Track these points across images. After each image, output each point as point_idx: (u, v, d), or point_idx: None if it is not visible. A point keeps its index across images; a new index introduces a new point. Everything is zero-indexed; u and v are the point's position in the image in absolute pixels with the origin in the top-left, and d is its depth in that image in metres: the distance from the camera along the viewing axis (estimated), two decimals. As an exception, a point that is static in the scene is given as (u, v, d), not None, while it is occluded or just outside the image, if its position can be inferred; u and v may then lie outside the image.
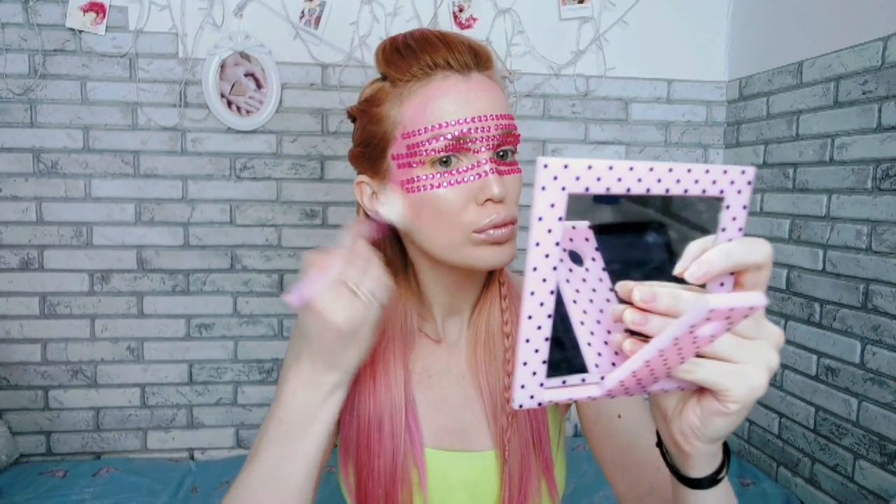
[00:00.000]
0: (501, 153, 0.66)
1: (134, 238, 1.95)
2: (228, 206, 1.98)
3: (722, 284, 0.38)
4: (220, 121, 1.93)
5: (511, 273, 0.80)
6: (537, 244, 0.34)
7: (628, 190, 0.35)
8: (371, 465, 0.70)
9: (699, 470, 0.46)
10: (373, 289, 0.57)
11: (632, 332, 0.38)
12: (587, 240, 0.40)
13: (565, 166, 0.33)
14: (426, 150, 0.63)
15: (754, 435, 2.03)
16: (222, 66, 1.89)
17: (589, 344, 0.40)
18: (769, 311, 1.94)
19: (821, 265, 1.74)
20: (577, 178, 0.34)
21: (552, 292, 0.36)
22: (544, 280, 0.35)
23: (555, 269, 0.35)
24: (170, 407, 2.01)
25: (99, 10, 1.84)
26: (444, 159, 0.63)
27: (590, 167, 0.34)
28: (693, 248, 0.37)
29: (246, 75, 1.91)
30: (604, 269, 0.41)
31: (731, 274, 0.38)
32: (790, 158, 1.86)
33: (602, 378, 0.39)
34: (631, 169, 0.35)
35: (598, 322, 0.40)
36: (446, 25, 1.98)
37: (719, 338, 0.37)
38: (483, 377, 0.73)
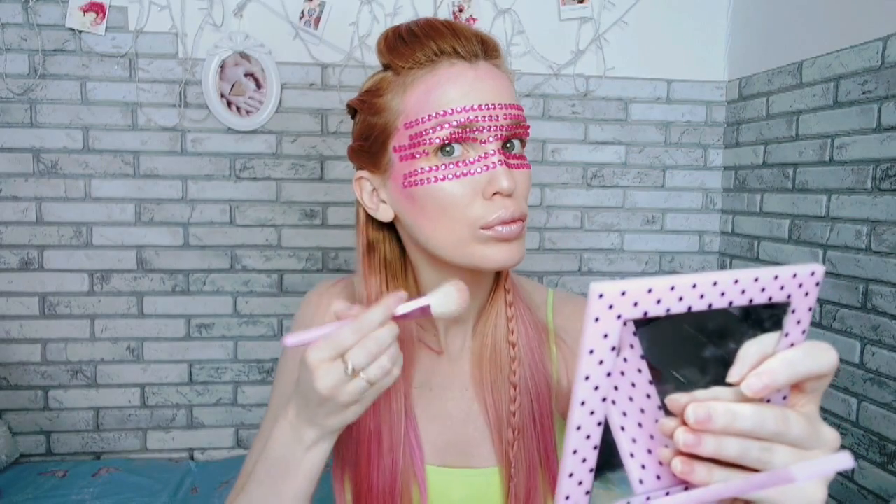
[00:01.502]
0: (509, 145, 0.62)
1: (134, 238, 1.95)
2: (228, 207, 1.98)
3: (779, 390, 0.35)
4: (220, 121, 1.93)
5: (517, 277, 0.76)
6: (587, 378, 0.32)
7: (689, 309, 0.32)
8: (370, 480, 0.67)
9: None
10: (375, 376, 0.53)
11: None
12: (626, 324, 0.37)
13: (623, 293, 0.30)
14: (430, 139, 0.59)
15: (754, 435, 2.03)
16: (222, 67, 1.89)
17: (631, 454, 0.36)
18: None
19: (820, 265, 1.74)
20: (636, 304, 0.31)
21: (599, 424, 0.33)
22: (592, 413, 0.33)
23: (604, 400, 0.32)
24: (170, 407, 2.01)
25: (99, 10, 1.84)
26: (449, 149, 0.59)
27: (650, 290, 0.31)
28: (751, 353, 0.34)
29: (246, 75, 1.91)
30: (642, 358, 0.37)
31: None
32: (790, 158, 1.86)
33: (648, 498, 0.36)
34: (694, 286, 0.32)
35: (640, 425, 0.36)
36: (446, 25, 1.98)
37: (777, 450, 0.34)
38: (488, 391, 0.69)
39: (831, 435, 0.36)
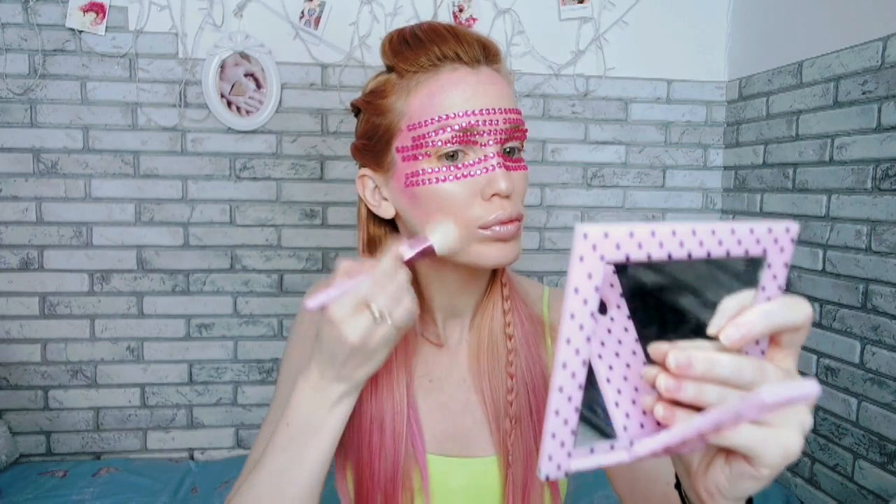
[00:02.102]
0: (508, 149, 0.64)
1: (134, 238, 1.95)
2: (228, 207, 1.98)
3: (757, 343, 0.37)
4: (220, 121, 1.93)
5: (513, 274, 0.78)
6: (572, 316, 0.33)
7: (669, 256, 0.34)
8: (372, 467, 0.69)
9: None
10: (401, 317, 0.56)
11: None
12: (612, 285, 0.38)
13: (606, 234, 0.32)
14: (432, 142, 0.61)
15: (754, 435, 2.03)
16: (222, 67, 1.89)
17: (616, 404, 0.38)
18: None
19: (820, 265, 1.74)
20: (618, 247, 0.32)
21: (584, 363, 0.34)
22: (577, 351, 0.34)
23: (588, 339, 0.34)
24: (170, 407, 2.01)
25: (99, 10, 1.84)
26: (451, 152, 0.62)
27: (632, 234, 0.32)
28: (729, 305, 0.36)
29: (246, 75, 1.91)
30: (629, 318, 0.38)
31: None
32: (790, 158, 1.86)
33: (631, 443, 0.37)
34: (673, 233, 0.33)
35: (625, 378, 0.38)
36: (446, 25, 1.98)
37: None
38: (486, 381, 0.72)
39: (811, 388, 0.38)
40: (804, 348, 1.80)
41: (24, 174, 1.88)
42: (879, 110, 1.56)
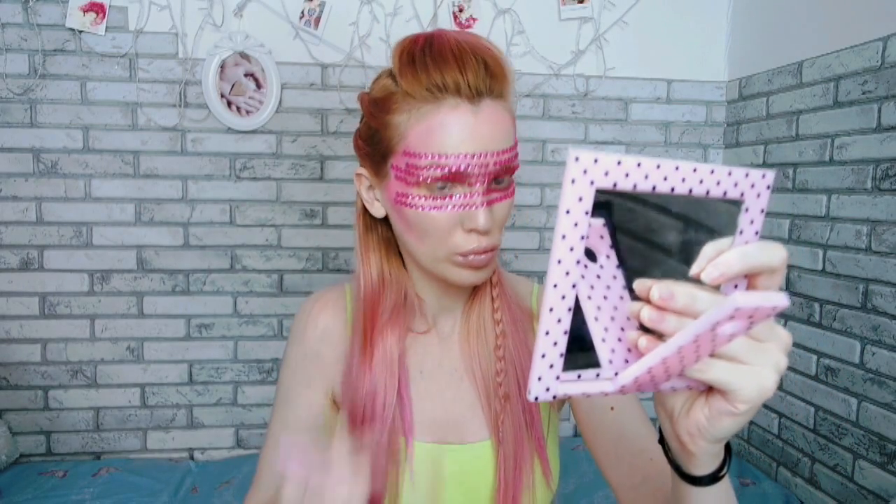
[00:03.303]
0: (497, 180, 0.67)
1: (134, 238, 1.95)
2: (228, 207, 1.98)
3: (736, 286, 0.39)
4: (220, 121, 1.93)
5: (503, 271, 0.82)
6: (563, 237, 0.34)
7: (654, 188, 0.35)
8: (363, 431, 0.71)
9: (702, 468, 0.46)
10: None
11: (646, 331, 0.38)
12: (602, 237, 0.40)
13: (595, 160, 0.34)
14: (423, 176, 0.64)
15: (754, 435, 2.03)
16: (222, 67, 1.89)
17: (603, 340, 0.40)
18: (769, 311, 1.94)
19: (820, 265, 1.74)
20: (607, 174, 0.34)
21: (574, 286, 0.36)
22: (567, 273, 0.35)
23: (578, 262, 0.35)
24: (170, 407, 2.01)
25: (99, 10, 1.85)
26: (440, 185, 0.65)
27: (619, 163, 0.34)
28: (709, 249, 0.38)
29: (246, 75, 1.91)
30: (618, 267, 0.40)
31: (745, 277, 0.39)
32: (790, 158, 1.86)
33: (616, 374, 0.39)
34: (658, 167, 0.35)
35: (612, 319, 0.40)
36: (446, 26, 1.98)
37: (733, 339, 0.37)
38: (476, 364, 0.76)
39: (784, 332, 0.40)
40: (804, 348, 1.80)
41: (24, 174, 1.88)
42: (879, 110, 1.56)
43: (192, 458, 2.03)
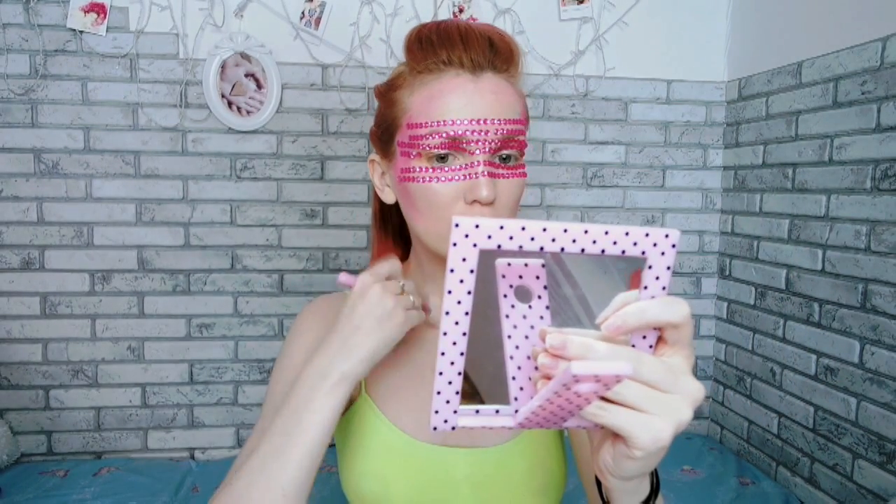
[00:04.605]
0: (504, 156, 0.66)
1: (134, 238, 1.95)
2: (229, 207, 1.98)
3: (644, 337, 0.40)
4: (221, 121, 1.93)
5: None
6: (449, 292, 0.37)
7: (542, 249, 0.37)
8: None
9: (625, 501, 0.46)
10: (414, 305, 0.64)
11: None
12: (538, 277, 0.41)
13: (477, 226, 0.36)
14: (423, 144, 0.64)
15: (753, 434, 2.03)
16: (223, 67, 1.89)
17: (514, 378, 0.41)
18: (769, 311, 1.94)
19: (820, 265, 1.75)
20: (489, 237, 0.36)
21: (464, 334, 0.38)
22: (457, 323, 0.38)
23: (466, 314, 0.38)
24: (170, 407, 2.02)
25: (100, 10, 1.85)
26: (441, 155, 0.64)
27: (502, 227, 0.36)
28: (617, 300, 0.39)
29: (246, 76, 1.91)
30: (547, 308, 0.41)
31: (655, 329, 0.40)
32: (789, 158, 1.86)
33: (516, 411, 0.41)
34: (544, 230, 0.36)
35: (528, 357, 0.41)
36: (446, 26, 1.98)
37: (630, 385, 0.38)
38: None
39: (695, 386, 0.40)
40: (804, 348, 1.80)
41: (25, 174, 1.89)
42: (879, 110, 1.56)
43: (192, 457, 2.03)
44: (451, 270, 0.37)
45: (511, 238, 0.36)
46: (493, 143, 0.64)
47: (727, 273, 2.17)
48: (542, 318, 0.41)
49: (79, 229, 1.93)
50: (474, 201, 0.64)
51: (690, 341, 0.40)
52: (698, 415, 2.27)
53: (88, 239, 1.93)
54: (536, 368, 0.41)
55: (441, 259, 0.71)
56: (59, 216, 1.91)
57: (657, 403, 0.38)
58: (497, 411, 0.41)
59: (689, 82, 2.15)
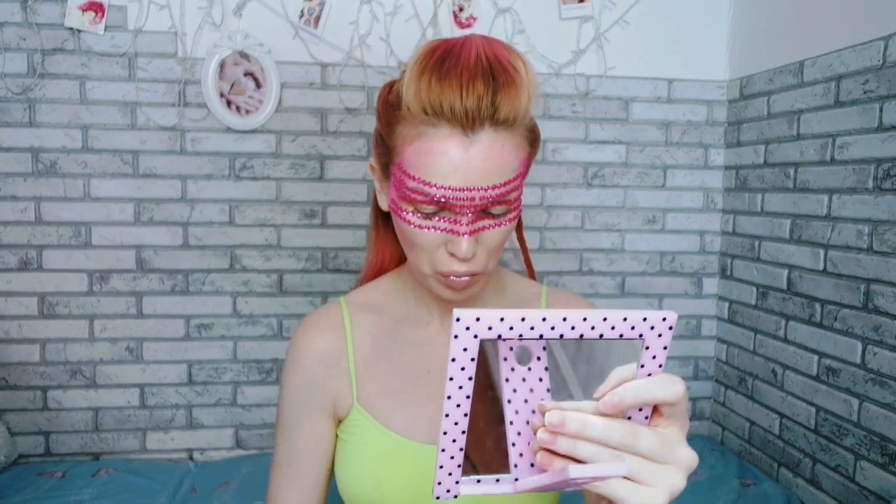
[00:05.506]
0: (489, 211, 0.65)
1: (133, 238, 1.94)
2: (228, 206, 1.98)
3: (640, 410, 0.41)
4: (220, 120, 1.92)
5: (509, 274, 0.83)
6: (451, 378, 0.38)
7: (541, 336, 0.38)
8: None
9: None
10: None
11: None
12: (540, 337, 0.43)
13: (478, 319, 0.37)
14: (411, 196, 0.65)
15: (755, 435, 2.03)
16: (221, 66, 1.88)
17: (513, 444, 0.42)
18: (770, 311, 1.94)
19: (822, 265, 1.74)
20: (490, 328, 0.37)
21: (466, 414, 0.40)
22: (458, 405, 0.40)
23: (468, 397, 0.39)
24: (169, 407, 2.01)
25: (98, 9, 1.84)
26: (426, 208, 0.65)
27: (502, 319, 0.37)
28: (614, 376, 0.40)
29: (245, 75, 1.90)
30: (546, 370, 0.42)
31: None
32: (791, 158, 1.86)
33: (516, 479, 0.42)
34: (544, 319, 0.37)
35: (528, 422, 0.42)
36: (446, 25, 1.97)
37: (626, 458, 0.39)
38: None
39: (688, 455, 0.42)
40: (806, 348, 1.79)
41: (22, 174, 1.88)
42: (881, 110, 1.55)
43: (191, 458, 2.03)
44: (453, 359, 0.38)
45: (511, 328, 0.37)
46: (479, 206, 0.63)
47: (728, 273, 2.17)
48: (540, 380, 0.42)
49: (77, 229, 1.92)
50: (453, 254, 0.65)
51: (685, 413, 0.42)
52: (699, 416, 2.27)
53: (86, 239, 1.92)
54: (536, 434, 0.42)
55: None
56: (57, 216, 1.90)
57: (652, 474, 0.40)
58: (497, 480, 0.43)
59: (690, 81, 2.14)
